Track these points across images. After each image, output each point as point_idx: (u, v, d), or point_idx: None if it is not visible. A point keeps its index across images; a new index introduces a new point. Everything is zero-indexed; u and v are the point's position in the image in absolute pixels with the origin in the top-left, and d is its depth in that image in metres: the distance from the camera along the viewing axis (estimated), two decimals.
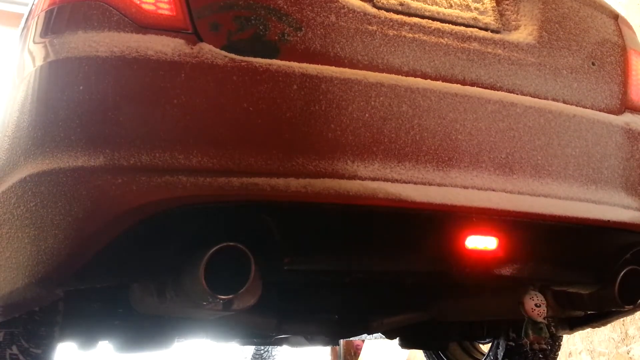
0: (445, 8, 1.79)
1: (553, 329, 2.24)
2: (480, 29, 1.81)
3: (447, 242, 1.66)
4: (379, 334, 2.59)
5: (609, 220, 1.78)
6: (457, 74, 1.70)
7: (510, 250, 1.74)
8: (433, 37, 1.70)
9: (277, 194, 1.42)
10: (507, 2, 1.92)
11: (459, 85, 1.67)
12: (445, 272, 1.78)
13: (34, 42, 1.53)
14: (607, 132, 1.86)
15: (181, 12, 1.48)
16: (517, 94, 1.76)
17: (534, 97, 1.79)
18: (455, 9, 1.81)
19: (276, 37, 1.53)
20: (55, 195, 1.37)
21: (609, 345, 3.52)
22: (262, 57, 1.49)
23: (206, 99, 1.42)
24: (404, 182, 1.53)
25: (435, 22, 1.73)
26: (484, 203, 1.60)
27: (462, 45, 1.73)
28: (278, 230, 1.48)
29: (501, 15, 1.90)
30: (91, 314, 1.90)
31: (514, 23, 1.90)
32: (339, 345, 5.09)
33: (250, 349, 4.09)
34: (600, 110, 1.91)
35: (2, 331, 1.66)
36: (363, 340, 5.15)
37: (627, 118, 1.95)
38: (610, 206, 1.80)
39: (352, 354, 5.29)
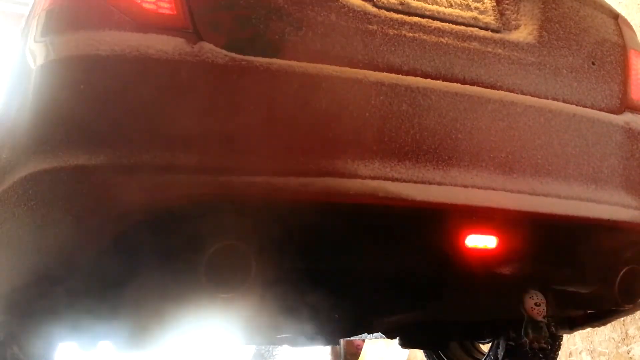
0: (445, 7, 1.80)
1: (553, 328, 2.23)
2: (481, 28, 1.81)
3: (447, 241, 1.67)
4: (379, 333, 2.59)
5: (608, 219, 1.78)
6: (457, 73, 1.71)
7: (510, 249, 1.74)
8: (433, 37, 1.70)
9: (277, 193, 1.42)
10: (507, 1, 1.92)
11: (459, 85, 1.67)
12: (445, 271, 1.78)
13: (35, 41, 1.53)
14: (607, 131, 1.86)
15: (182, 11, 1.48)
16: (517, 93, 1.76)
17: (534, 96, 1.79)
18: (455, 8, 1.81)
19: (276, 36, 1.53)
20: (56, 193, 1.37)
21: (609, 345, 3.52)
22: (263, 56, 1.49)
23: (206, 98, 1.42)
24: (404, 180, 1.53)
25: (435, 22, 1.73)
26: (484, 202, 1.61)
27: (462, 44, 1.74)
28: (279, 229, 1.48)
29: (501, 14, 1.90)
30: (92, 313, 1.90)
31: (514, 22, 1.90)
32: (339, 344, 5.09)
33: (251, 348, 4.09)
34: (600, 110, 1.91)
35: (3, 330, 1.66)
36: (363, 340, 5.15)
37: (627, 117, 1.95)
38: (610, 205, 1.80)
39: (353, 353, 5.28)
